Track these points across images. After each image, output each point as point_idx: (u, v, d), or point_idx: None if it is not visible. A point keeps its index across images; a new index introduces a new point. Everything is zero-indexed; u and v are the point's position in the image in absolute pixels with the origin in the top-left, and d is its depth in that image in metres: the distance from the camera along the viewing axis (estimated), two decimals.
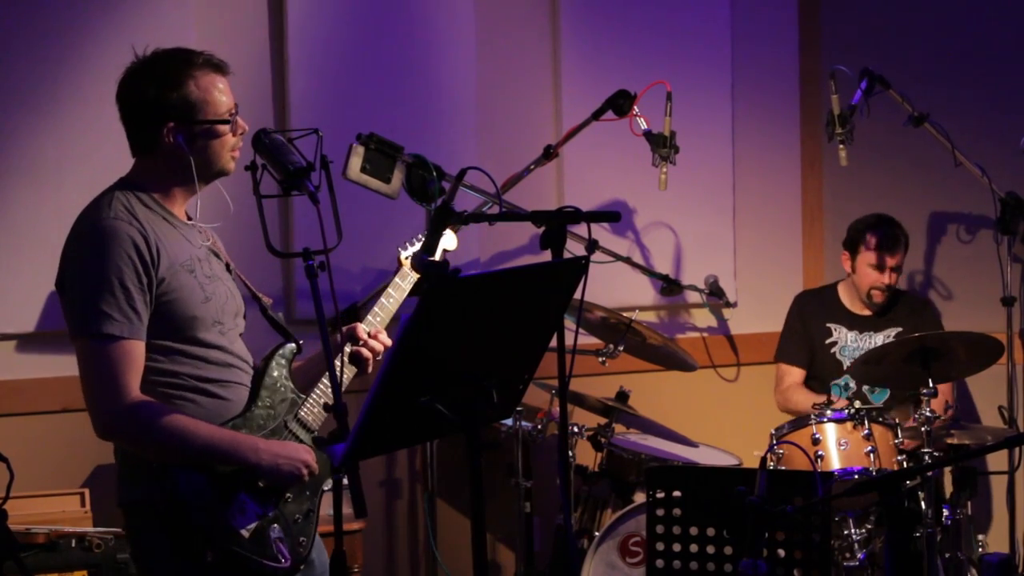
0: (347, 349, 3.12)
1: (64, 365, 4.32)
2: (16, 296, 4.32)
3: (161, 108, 2.91)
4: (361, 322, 3.21)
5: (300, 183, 2.81)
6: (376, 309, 3.28)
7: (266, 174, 2.90)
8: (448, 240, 3.50)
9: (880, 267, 5.10)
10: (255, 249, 3.12)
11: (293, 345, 3.12)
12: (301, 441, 3.04)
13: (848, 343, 5.20)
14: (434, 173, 4.38)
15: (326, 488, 3.06)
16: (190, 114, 2.91)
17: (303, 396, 3.09)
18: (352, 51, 4.80)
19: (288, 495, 2.99)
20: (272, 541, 2.93)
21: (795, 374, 5.25)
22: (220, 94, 2.95)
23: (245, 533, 2.89)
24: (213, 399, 2.95)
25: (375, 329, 3.20)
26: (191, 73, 2.92)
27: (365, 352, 3.13)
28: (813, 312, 5.28)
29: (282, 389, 3.06)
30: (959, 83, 5.46)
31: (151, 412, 2.83)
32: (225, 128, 2.94)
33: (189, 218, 3.06)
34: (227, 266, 3.10)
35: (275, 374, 3.07)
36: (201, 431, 2.86)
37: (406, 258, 3.55)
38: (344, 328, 3.16)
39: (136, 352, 2.85)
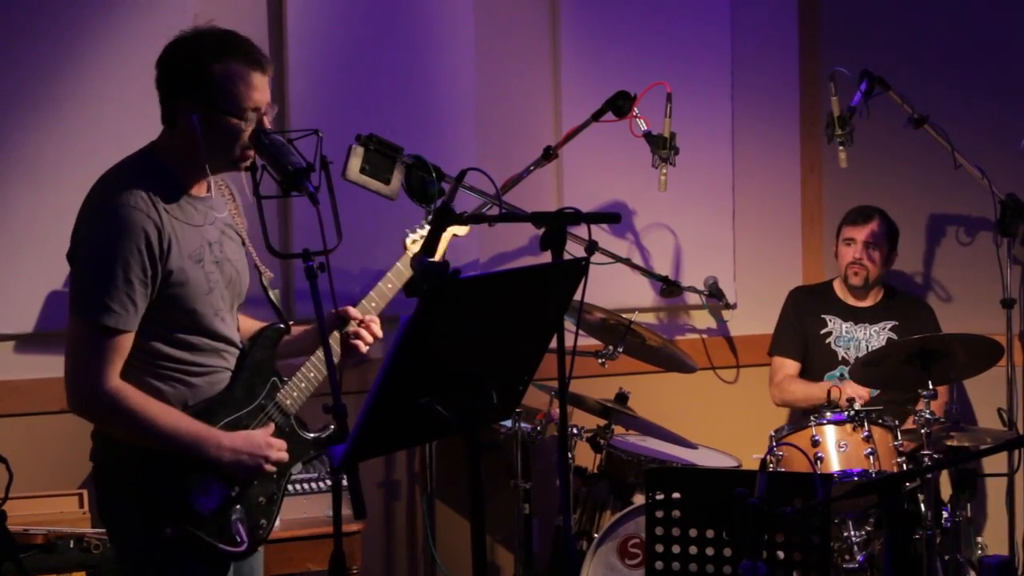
0: (337, 334, 3.14)
1: (63, 366, 4.32)
2: (16, 296, 4.32)
3: (182, 84, 2.91)
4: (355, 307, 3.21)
5: (300, 184, 2.81)
6: (373, 294, 3.28)
7: (266, 175, 2.90)
8: (459, 228, 3.60)
9: (851, 240, 5.12)
10: (255, 250, 3.13)
11: (280, 326, 3.13)
12: (277, 424, 3.06)
13: (843, 333, 5.20)
14: (433, 174, 4.36)
15: (296, 471, 3.09)
16: (207, 99, 2.88)
17: (285, 379, 3.11)
18: (352, 52, 4.79)
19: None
20: (232, 522, 2.96)
21: (789, 366, 5.26)
22: (246, 88, 2.89)
23: (206, 514, 2.92)
24: (197, 384, 2.98)
25: (370, 316, 3.21)
26: (220, 59, 2.89)
27: (358, 342, 3.15)
28: (807, 305, 5.29)
29: (264, 371, 3.09)
30: (959, 84, 5.46)
31: (123, 399, 2.87)
32: (239, 123, 2.89)
33: (209, 189, 3.04)
34: (242, 240, 3.09)
35: (258, 355, 3.09)
36: (168, 423, 2.89)
37: (412, 242, 3.55)
38: (334, 310, 3.13)
39: (125, 342, 2.89)
